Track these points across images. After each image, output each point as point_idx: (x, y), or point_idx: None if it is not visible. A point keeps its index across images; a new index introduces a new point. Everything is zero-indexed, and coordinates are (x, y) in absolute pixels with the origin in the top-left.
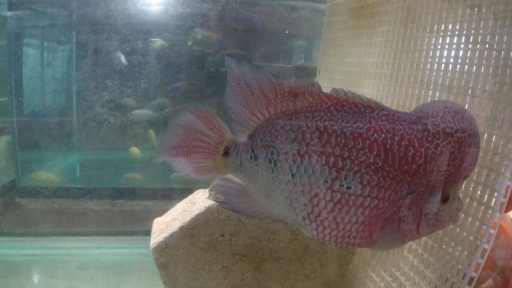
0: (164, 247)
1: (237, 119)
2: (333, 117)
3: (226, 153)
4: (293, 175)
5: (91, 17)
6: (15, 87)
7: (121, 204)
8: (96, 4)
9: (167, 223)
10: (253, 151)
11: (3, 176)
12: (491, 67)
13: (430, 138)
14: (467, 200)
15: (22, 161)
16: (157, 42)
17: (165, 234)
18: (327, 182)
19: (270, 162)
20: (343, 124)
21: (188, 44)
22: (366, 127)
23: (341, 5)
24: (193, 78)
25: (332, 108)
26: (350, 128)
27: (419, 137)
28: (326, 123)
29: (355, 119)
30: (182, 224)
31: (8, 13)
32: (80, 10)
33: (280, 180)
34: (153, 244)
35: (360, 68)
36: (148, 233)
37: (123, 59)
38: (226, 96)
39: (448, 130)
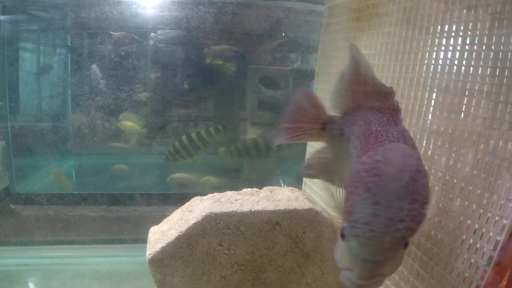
0: (161, 258)
1: (337, 99)
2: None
3: (323, 128)
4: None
5: (86, 21)
6: (9, 92)
7: (117, 211)
8: (91, 7)
9: (163, 232)
10: (340, 129)
11: None
12: (489, 68)
13: None
14: (466, 203)
15: (17, 167)
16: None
17: (161, 244)
18: None
19: (347, 139)
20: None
21: (207, 62)
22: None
23: (339, 6)
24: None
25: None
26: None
27: None
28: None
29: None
30: (179, 233)
31: (1, 17)
32: (74, 14)
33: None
34: (149, 255)
35: None
36: (145, 240)
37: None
38: (339, 76)
39: None
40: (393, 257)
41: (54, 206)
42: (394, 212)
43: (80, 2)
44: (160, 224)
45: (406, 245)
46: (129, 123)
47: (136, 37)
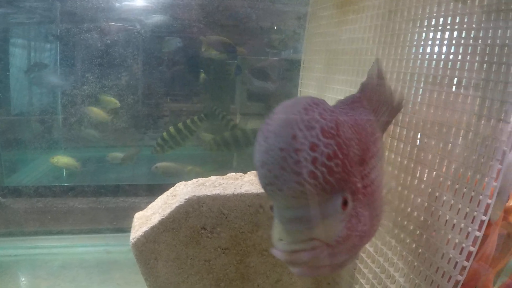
0: (144, 242)
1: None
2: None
3: None
4: None
5: (75, 13)
6: None
7: (106, 202)
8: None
9: (147, 217)
10: None
11: None
12: (477, 62)
13: None
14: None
15: (5, 161)
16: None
17: (145, 228)
18: None
19: None
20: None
21: (203, 51)
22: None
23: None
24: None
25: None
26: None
27: None
28: None
29: None
30: (162, 217)
31: None
32: (64, 7)
33: None
34: (133, 239)
35: (345, 52)
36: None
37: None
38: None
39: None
40: (321, 215)
41: (44, 199)
42: (286, 153)
43: None
44: (144, 210)
45: (344, 204)
46: (95, 110)
47: (130, 27)
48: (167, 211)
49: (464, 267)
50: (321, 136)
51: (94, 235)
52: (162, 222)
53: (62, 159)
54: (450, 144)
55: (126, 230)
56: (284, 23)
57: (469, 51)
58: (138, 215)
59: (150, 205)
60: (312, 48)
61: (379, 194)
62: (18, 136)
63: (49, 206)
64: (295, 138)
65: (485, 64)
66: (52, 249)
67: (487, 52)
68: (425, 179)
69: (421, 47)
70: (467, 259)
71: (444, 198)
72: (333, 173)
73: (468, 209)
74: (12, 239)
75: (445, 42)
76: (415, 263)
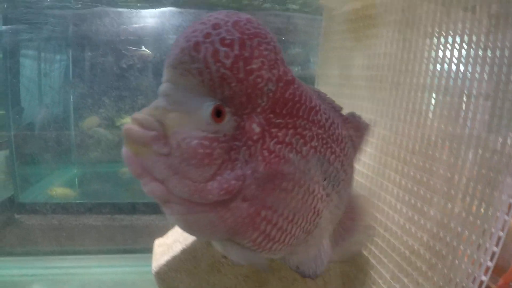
0: (166, 271)
1: None
2: None
3: None
4: None
5: (86, 32)
6: (12, 101)
7: (121, 220)
8: (91, 19)
9: (169, 245)
10: None
11: (2, 192)
12: (487, 69)
13: None
14: (468, 199)
15: (21, 176)
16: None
17: (167, 257)
18: None
19: None
20: None
21: None
22: None
23: (338, 16)
24: None
25: None
26: None
27: None
28: None
29: None
30: (184, 246)
31: (3, 27)
32: (76, 25)
33: None
34: (155, 268)
35: (358, 81)
36: (150, 250)
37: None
38: None
39: None
40: (187, 108)
41: (58, 215)
42: (189, 42)
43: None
44: (165, 237)
45: (217, 115)
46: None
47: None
48: (189, 240)
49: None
50: (225, 35)
51: (111, 255)
52: (184, 252)
53: (59, 190)
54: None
55: (143, 250)
56: (300, 36)
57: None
58: (158, 242)
59: (170, 232)
60: (325, 67)
61: (295, 187)
62: (33, 151)
63: (64, 223)
64: (199, 31)
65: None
66: (70, 269)
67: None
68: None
69: (434, 61)
70: None
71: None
72: (219, 73)
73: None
74: (28, 258)
75: (457, 55)
76: None
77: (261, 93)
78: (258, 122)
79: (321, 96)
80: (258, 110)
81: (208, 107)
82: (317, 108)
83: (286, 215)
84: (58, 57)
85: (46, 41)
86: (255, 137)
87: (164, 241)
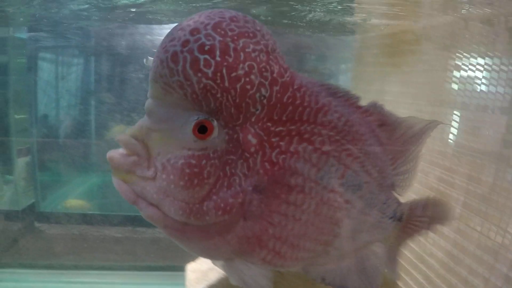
0: None
1: None
2: None
3: None
4: None
5: (110, 42)
6: (35, 107)
7: (142, 232)
8: (115, 32)
9: (203, 272)
10: None
11: (22, 199)
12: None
13: None
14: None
15: (42, 184)
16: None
17: (203, 286)
18: None
19: None
20: None
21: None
22: None
23: (372, 39)
24: None
25: None
26: None
27: None
28: None
29: None
30: (221, 275)
31: (27, 35)
32: (98, 35)
33: None
34: None
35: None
36: (176, 268)
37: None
38: None
39: None
40: (169, 125)
41: (79, 226)
42: (167, 53)
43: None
44: (198, 263)
45: (201, 131)
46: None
47: None
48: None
49: None
50: (204, 40)
51: (135, 272)
52: (221, 281)
53: (74, 203)
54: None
55: (168, 268)
56: (331, 53)
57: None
58: (191, 268)
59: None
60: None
61: (306, 201)
62: (54, 158)
63: (84, 233)
64: (177, 40)
65: None
66: (94, 285)
67: None
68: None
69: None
70: None
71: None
72: (201, 85)
73: None
74: (51, 272)
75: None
76: None
77: (253, 101)
78: (254, 133)
79: (332, 90)
80: (253, 119)
81: (191, 123)
82: (326, 107)
83: (296, 230)
84: (82, 66)
85: (70, 49)
86: (252, 149)
87: (198, 267)
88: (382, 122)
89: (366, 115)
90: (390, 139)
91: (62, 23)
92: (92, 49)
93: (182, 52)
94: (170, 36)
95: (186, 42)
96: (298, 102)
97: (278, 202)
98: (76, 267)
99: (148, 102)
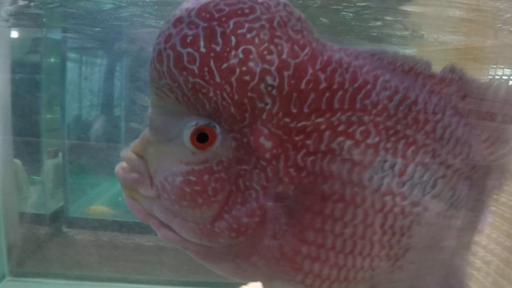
0: None
1: None
2: None
3: None
4: None
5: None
6: (65, 107)
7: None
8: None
9: None
10: None
11: (50, 203)
12: None
13: None
14: None
15: (71, 187)
16: None
17: None
18: None
19: None
20: None
21: None
22: None
23: (433, 53)
24: None
25: None
26: None
27: None
28: None
29: None
30: None
31: (61, 36)
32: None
33: None
34: None
35: None
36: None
37: None
38: None
39: None
40: (167, 135)
41: (109, 232)
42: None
43: None
44: (250, 285)
45: (200, 139)
46: None
47: None
48: None
49: None
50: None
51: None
52: None
53: (97, 209)
54: None
55: (205, 283)
56: None
57: None
58: None
59: (253, 284)
60: None
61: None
62: (84, 161)
63: (114, 240)
64: (162, 35)
65: None
66: None
67: None
68: None
69: None
70: None
71: None
72: (189, 85)
73: None
74: (82, 283)
75: None
76: None
77: (258, 94)
78: (268, 134)
79: (384, 60)
80: (263, 117)
81: (188, 131)
82: (369, 85)
83: (339, 247)
84: (116, 67)
85: (102, 50)
86: (267, 155)
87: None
88: (466, 93)
89: (442, 85)
90: (480, 114)
91: (96, 23)
92: (125, 51)
93: (165, 49)
94: (159, 32)
95: (169, 36)
96: (323, 86)
97: (310, 216)
98: (109, 279)
99: (149, 110)
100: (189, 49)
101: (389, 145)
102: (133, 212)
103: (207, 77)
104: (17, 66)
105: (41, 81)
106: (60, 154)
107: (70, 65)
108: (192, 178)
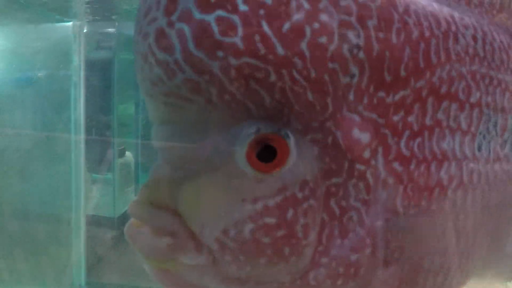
0: None
1: None
2: None
3: None
4: None
5: None
6: (138, 104)
7: None
8: None
9: None
10: None
11: (119, 205)
12: None
13: None
14: None
15: (119, 186)
16: None
17: None
18: None
19: None
20: None
21: None
22: None
23: None
24: None
25: None
26: None
27: None
28: None
29: None
30: None
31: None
32: None
33: None
34: None
35: None
36: None
37: None
38: None
39: None
40: (206, 161)
41: None
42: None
43: None
44: None
45: (263, 157)
46: None
47: None
48: None
49: None
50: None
51: None
52: None
53: None
54: None
55: None
56: None
57: None
58: None
59: None
60: None
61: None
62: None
63: None
64: (155, 8)
65: None
66: None
67: None
68: None
69: None
70: None
71: None
72: (231, 69)
73: None
74: None
75: None
76: None
77: (341, 64)
78: (361, 122)
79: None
80: (350, 97)
81: (242, 149)
82: (454, 25)
83: (463, 244)
84: None
85: None
86: (366, 154)
87: None
88: None
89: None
90: None
91: None
92: None
93: (171, 24)
94: (143, 3)
95: (172, 2)
96: (415, 34)
97: (429, 220)
98: None
99: (156, 134)
100: (220, 12)
101: (489, 98)
102: (165, 286)
103: (263, 51)
104: (88, 63)
105: (114, 77)
106: (127, 153)
107: None
108: (269, 220)
